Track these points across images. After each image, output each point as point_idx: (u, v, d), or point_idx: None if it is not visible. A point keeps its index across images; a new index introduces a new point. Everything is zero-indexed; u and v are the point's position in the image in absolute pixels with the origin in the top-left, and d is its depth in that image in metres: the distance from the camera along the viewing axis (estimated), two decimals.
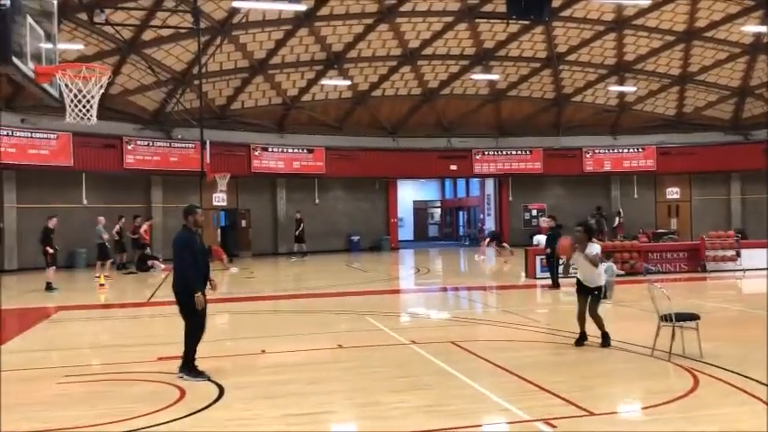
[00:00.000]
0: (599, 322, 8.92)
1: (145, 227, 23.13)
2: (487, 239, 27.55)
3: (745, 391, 6.43)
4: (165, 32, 22.90)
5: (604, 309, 13.19)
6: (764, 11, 25.20)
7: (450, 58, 28.18)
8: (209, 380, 7.19)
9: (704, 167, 31.20)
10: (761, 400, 6.13)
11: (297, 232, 26.99)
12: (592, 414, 5.88)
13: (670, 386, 6.85)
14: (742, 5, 25.18)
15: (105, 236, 20.46)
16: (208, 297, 7.50)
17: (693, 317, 8.06)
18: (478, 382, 7.05)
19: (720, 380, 6.90)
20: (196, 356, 7.44)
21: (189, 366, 7.37)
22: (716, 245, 18.98)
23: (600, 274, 9.09)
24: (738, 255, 18.87)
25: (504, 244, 26.99)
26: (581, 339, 8.98)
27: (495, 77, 29.29)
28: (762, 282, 17.26)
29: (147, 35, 23.00)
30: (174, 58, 24.76)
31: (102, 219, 20.91)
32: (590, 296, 8.95)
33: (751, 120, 31.47)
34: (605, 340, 8.83)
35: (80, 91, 7.58)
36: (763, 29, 25.95)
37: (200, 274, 7.41)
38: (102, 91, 7.83)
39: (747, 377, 6.90)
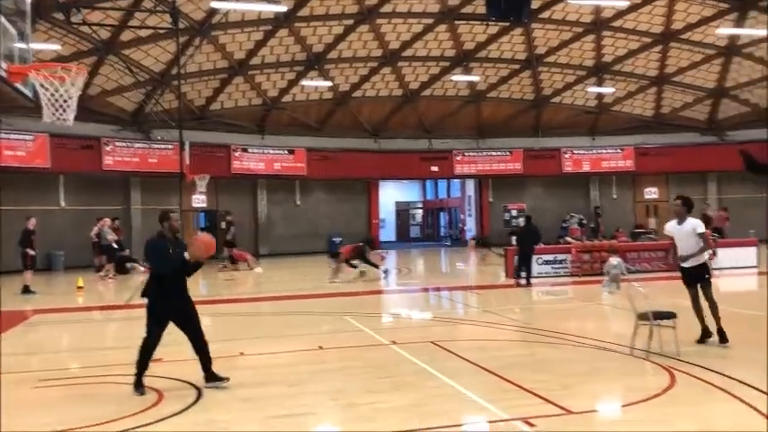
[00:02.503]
0: (714, 310, 8.38)
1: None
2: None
3: (723, 389, 6.49)
4: (144, 33, 22.72)
5: (609, 298, 13.75)
6: (738, 14, 25.60)
7: (430, 59, 28.26)
8: (141, 394, 6.83)
9: (681, 168, 31.58)
10: (738, 398, 6.19)
11: (229, 237, 24.05)
12: (570, 413, 5.91)
13: (647, 384, 6.90)
14: (717, 8, 25.54)
15: (110, 237, 20.37)
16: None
17: (671, 315, 8.15)
18: (458, 381, 7.07)
19: (697, 378, 6.96)
20: (148, 366, 7.04)
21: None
22: None
23: (703, 251, 8.52)
24: (715, 254, 19.07)
25: (380, 251, 25.67)
26: (704, 336, 8.52)
27: (476, 79, 29.42)
28: (739, 281, 17.52)
29: (126, 36, 22.80)
30: (152, 58, 24.57)
31: (107, 220, 20.88)
32: (699, 282, 8.48)
33: (726, 121, 31.92)
34: (722, 336, 8.33)
35: (57, 91, 7.48)
36: (736, 31, 26.35)
37: (166, 282, 7.09)
38: (79, 92, 7.73)
39: (724, 375, 6.97)
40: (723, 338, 8.40)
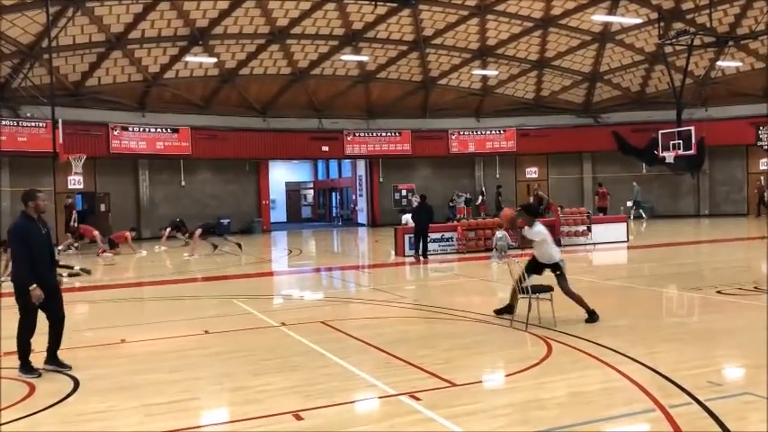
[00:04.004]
0: (577, 300, 8.66)
1: None
2: (168, 229, 23.67)
3: (593, 356, 6.92)
4: (8, 1, 21.04)
5: (492, 273, 14.32)
6: (611, 2, 27.05)
7: (319, 37, 27.96)
8: (39, 376, 6.76)
9: (559, 148, 33.15)
10: (606, 363, 6.63)
11: (73, 222, 22.77)
12: (454, 385, 6.10)
13: (526, 354, 7.24)
14: None
15: None
16: (64, 286, 7.10)
17: (548, 288, 8.57)
18: (347, 359, 7.12)
19: (571, 346, 7.38)
20: (31, 351, 6.95)
21: (22, 362, 6.88)
22: (569, 221, 20.26)
23: (555, 251, 8.85)
24: (589, 230, 20.26)
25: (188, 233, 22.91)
26: (504, 310, 8.91)
27: (365, 59, 29.43)
28: (609, 254, 18.67)
29: None
30: (19, 29, 22.81)
31: None
32: (554, 276, 8.74)
33: (600, 104, 33.80)
34: (591, 316, 8.59)
35: None
36: (610, 18, 27.87)
37: (39, 265, 6.82)
38: None
39: (595, 343, 7.43)
40: (593, 318, 8.64)
